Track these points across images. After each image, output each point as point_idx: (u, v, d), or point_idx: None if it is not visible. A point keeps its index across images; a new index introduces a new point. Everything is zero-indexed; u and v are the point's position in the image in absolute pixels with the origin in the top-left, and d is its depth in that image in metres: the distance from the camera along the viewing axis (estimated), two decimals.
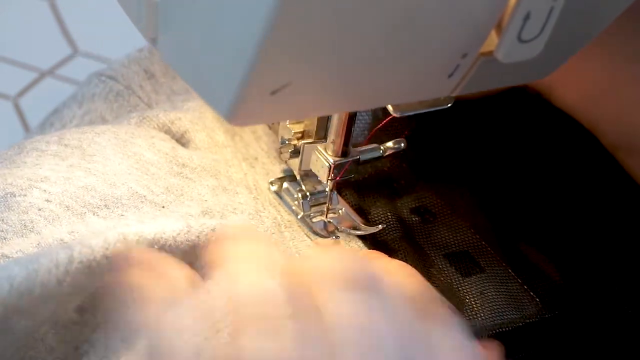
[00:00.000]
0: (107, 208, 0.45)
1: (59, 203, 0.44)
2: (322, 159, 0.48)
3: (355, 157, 0.48)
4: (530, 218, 0.52)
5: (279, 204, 0.51)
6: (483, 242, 0.51)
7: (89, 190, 0.45)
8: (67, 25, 1.01)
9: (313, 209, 0.50)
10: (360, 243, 0.50)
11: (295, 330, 0.36)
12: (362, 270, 0.38)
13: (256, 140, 0.54)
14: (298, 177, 0.50)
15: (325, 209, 0.50)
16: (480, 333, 0.46)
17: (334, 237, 0.48)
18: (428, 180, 0.53)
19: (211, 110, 0.54)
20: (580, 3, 0.38)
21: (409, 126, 0.54)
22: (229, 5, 0.33)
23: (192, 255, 0.44)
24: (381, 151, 0.49)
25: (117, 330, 0.43)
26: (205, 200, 0.48)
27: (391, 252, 0.50)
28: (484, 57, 0.38)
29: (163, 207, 0.46)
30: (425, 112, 0.44)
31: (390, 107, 0.44)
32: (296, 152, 0.50)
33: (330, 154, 0.48)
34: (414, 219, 0.52)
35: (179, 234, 0.43)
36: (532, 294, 0.48)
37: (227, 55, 0.34)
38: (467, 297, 0.48)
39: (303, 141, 0.49)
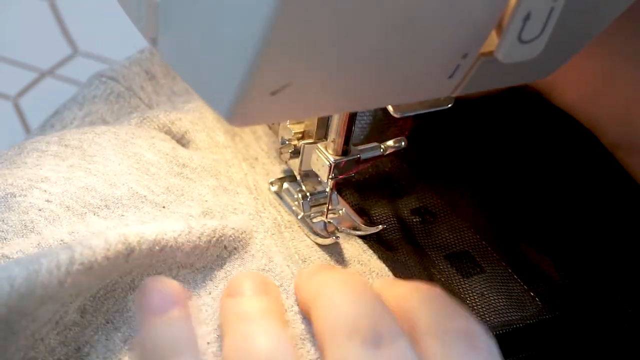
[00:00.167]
0: (108, 208, 0.45)
1: (59, 203, 0.44)
2: (323, 158, 0.48)
3: (356, 156, 0.48)
4: (530, 218, 0.52)
5: (279, 204, 0.51)
6: (483, 243, 0.51)
7: (89, 190, 0.45)
8: (67, 25, 1.01)
9: (313, 209, 0.50)
10: (360, 243, 0.50)
11: None
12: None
13: (256, 140, 0.54)
14: (298, 178, 0.50)
15: (325, 210, 0.50)
16: None
17: (334, 237, 0.48)
18: (428, 180, 0.53)
19: (211, 110, 0.54)
20: (580, 3, 0.38)
21: (409, 126, 0.54)
22: (229, 6, 0.33)
23: (193, 256, 0.44)
24: (382, 150, 0.49)
25: (118, 331, 0.43)
26: (206, 201, 0.48)
27: (391, 252, 0.50)
28: (484, 58, 0.38)
29: (163, 207, 0.46)
30: (425, 112, 0.44)
31: (390, 108, 0.44)
32: (296, 153, 0.50)
33: (331, 152, 0.48)
34: (414, 219, 0.52)
35: (180, 234, 0.43)
36: (532, 294, 0.48)
37: (227, 55, 0.34)
38: (468, 297, 0.48)
39: (303, 141, 0.49)
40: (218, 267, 0.45)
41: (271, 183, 0.51)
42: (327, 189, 0.49)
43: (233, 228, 0.45)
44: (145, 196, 0.46)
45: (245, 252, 0.46)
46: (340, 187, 0.52)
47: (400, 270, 0.49)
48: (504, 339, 0.46)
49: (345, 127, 0.47)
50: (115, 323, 0.43)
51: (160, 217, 0.45)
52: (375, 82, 0.38)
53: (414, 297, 0.42)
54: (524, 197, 0.53)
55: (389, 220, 0.51)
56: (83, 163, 0.47)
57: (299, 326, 0.43)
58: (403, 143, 0.50)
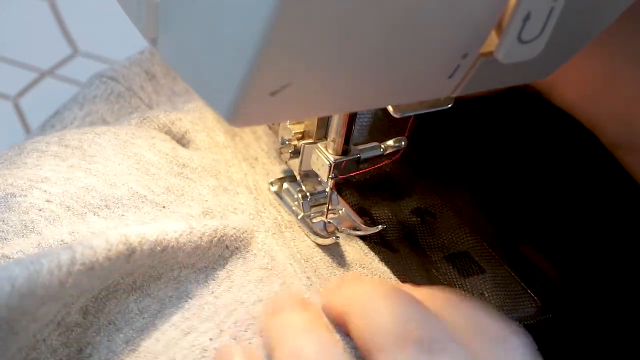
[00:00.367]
0: (108, 208, 0.45)
1: (59, 203, 0.44)
2: (323, 158, 0.48)
3: (356, 156, 0.48)
4: (530, 218, 0.52)
5: (280, 204, 0.51)
6: (483, 243, 0.51)
7: (89, 190, 0.45)
8: (67, 25, 1.01)
9: (313, 209, 0.50)
10: (360, 243, 0.50)
11: None
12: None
13: (256, 140, 0.54)
14: (298, 178, 0.50)
15: (325, 210, 0.50)
16: None
17: (334, 237, 0.48)
18: (428, 180, 0.53)
19: (211, 110, 0.54)
20: (580, 3, 0.38)
21: (409, 126, 0.54)
22: (229, 6, 0.33)
23: (194, 256, 0.44)
24: (382, 149, 0.49)
25: (120, 332, 0.43)
26: (206, 201, 0.48)
27: (392, 254, 0.50)
28: (484, 58, 0.38)
29: (164, 207, 0.46)
30: (425, 113, 0.44)
31: (390, 108, 0.44)
32: (296, 153, 0.50)
33: (331, 152, 0.48)
34: (414, 219, 0.52)
35: (181, 235, 0.43)
36: (532, 294, 0.48)
37: (227, 55, 0.34)
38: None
39: (303, 141, 0.49)
40: (220, 266, 0.45)
41: (271, 183, 0.51)
42: (327, 189, 0.49)
43: (234, 228, 0.45)
44: (145, 196, 0.46)
45: (247, 251, 0.46)
46: (340, 187, 0.52)
47: (402, 272, 0.49)
48: None
49: (345, 127, 0.47)
50: (117, 324, 0.43)
51: (160, 217, 0.45)
52: (375, 82, 0.38)
53: (439, 300, 0.42)
54: (524, 197, 0.53)
55: (389, 220, 0.51)
56: (83, 163, 0.47)
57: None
58: (403, 143, 0.50)
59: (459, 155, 0.54)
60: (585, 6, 0.39)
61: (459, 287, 0.48)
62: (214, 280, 0.44)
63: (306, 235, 0.49)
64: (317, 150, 0.48)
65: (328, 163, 0.48)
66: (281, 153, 0.50)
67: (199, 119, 0.53)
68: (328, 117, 0.48)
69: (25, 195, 0.44)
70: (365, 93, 0.38)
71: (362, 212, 0.51)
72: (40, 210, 0.44)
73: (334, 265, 0.48)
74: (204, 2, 0.34)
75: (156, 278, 0.44)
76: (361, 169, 0.50)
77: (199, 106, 0.54)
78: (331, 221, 0.50)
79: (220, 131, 0.53)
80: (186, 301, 0.44)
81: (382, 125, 0.54)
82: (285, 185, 0.51)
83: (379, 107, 0.47)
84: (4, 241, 0.42)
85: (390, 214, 0.51)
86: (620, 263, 0.51)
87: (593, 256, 0.51)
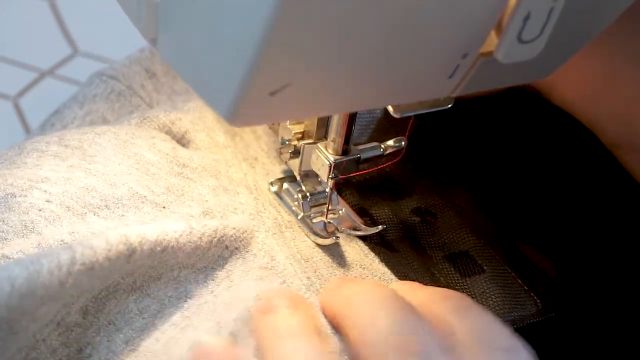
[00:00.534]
0: (108, 208, 0.45)
1: (59, 203, 0.44)
2: (323, 157, 0.48)
3: (356, 156, 0.48)
4: (530, 218, 0.52)
5: (280, 204, 0.51)
6: (484, 243, 0.51)
7: (89, 190, 0.45)
8: (67, 25, 1.01)
9: (313, 209, 0.50)
10: (361, 244, 0.50)
11: None
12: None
13: (256, 140, 0.54)
14: (298, 178, 0.50)
15: (325, 210, 0.50)
16: None
17: (334, 237, 0.48)
18: (429, 180, 0.53)
19: (211, 110, 0.54)
20: (580, 3, 0.38)
21: (410, 126, 0.54)
22: (229, 6, 0.33)
23: (194, 256, 0.44)
24: (382, 149, 0.49)
25: (120, 332, 0.43)
26: (206, 201, 0.48)
27: (392, 254, 0.50)
28: (484, 58, 0.38)
29: (164, 207, 0.46)
30: (425, 113, 0.44)
31: (390, 108, 0.44)
32: (296, 153, 0.50)
33: (331, 152, 0.48)
34: (414, 219, 0.52)
35: (181, 235, 0.43)
36: (532, 294, 0.48)
37: (227, 55, 0.34)
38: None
39: (303, 142, 0.49)
40: (219, 266, 0.45)
41: (271, 183, 0.51)
42: (327, 189, 0.49)
43: (234, 228, 0.45)
44: (145, 196, 0.46)
45: (247, 251, 0.46)
46: (340, 188, 0.52)
47: (402, 272, 0.49)
48: None
49: (345, 127, 0.47)
50: (117, 324, 0.43)
51: (160, 217, 0.45)
52: (375, 82, 0.38)
53: (445, 304, 0.42)
54: (524, 196, 0.53)
55: (389, 220, 0.51)
56: (83, 163, 0.47)
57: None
58: (403, 143, 0.50)
59: (459, 155, 0.54)
60: (585, 6, 0.39)
61: (460, 286, 0.48)
62: (213, 280, 0.44)
63: (306, 235, 0.49)
64: (317, 150, 0.48)
65: (328, 163, 0.48)
66: (281, 153, 0.50)
67: (199, 118, 0.53)
68: (328, 117, 0.48)
69: (25, 196, 0.44)
70: (365, 93, 0.38)
71: (362, 212, 0.51)
72: (40, 210, 0.44)
73: (334, 265, 0.48)
74: (204, 2, 0.34)
75: (156, 278, 0.44)
76: (361, 169, 0.50)
77: (198, 106, 0.54)
78: (331, 221, 0.50)
79: (220, 131, 0.53)
80: (185, 301, 0.44)
81: (382, 125, 0.54)
82: (285, 185, 0.51)
83: (379, 107, 0.47)
84: (4, 241, 0.42)
85: (390, 214, 0.51)
86: (620, 263, 0.51)
87: (593, 256, 0.51)
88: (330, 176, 0.48)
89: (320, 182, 0.50)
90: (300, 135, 0.49)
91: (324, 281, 0.46)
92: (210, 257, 0.45)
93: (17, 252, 0.42)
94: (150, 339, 0.43)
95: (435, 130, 0.54)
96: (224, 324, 0.42)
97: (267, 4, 0.31)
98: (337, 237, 0.48)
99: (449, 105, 0.45)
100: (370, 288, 0.43)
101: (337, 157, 0.48)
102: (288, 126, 0.49)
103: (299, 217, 0.49)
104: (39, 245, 0.42)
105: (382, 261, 0.49)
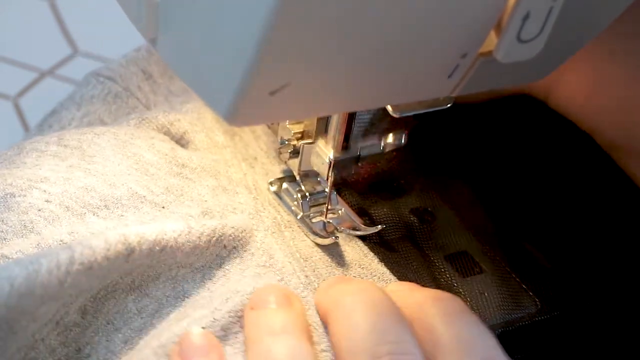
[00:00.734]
0: (107, 208, 0.45)
1: (58, 203, 0.44)
2: (322, 156, 0.48)
3: (356, 154, 0.48)
4: (529, 218, 0.52)
5: (279, 204, 0.51)
6: (483, 243, 0.51)
7: (88, 190, 0.45)
8: (67, 25, 1.01)
9: (312, 209, 0.50)
10: (360, 243, 0.50)
11: None
12: None
13: (255, 139, 0.54)
14: (297, 178, 0.50)
15: (324, 210, 0.50)
16: None
17: (333, 237, 0.48)
18: (428, 180, 0.53)
19: (210, 111, 0.54)
20: (579, 3, 0.38)
21: (409, 125, 0.54)
22: (229, 6, 0.33)
23: (193, 256, 0.44)
24: (381, 147, 0.49)
25: (119, 332, 0.43)
26: (205, 201, 0.48)
27: (392, 254, 0.50)
28: (483, 57, 0.38)
29: (163, 207, 0.46)
30: (425, 113, 0.44)
31: (389, 108, 0.44)
32: (296, 153, 0.50)
33: (331, 150, 0.48)
34: (413, 219, 0.52)
35: (180, 235, 0.43)
36: (531, 294, 0.48)
37: (227, 55, 0.34)
38: (467, 297, 0.48)
39: (302, 141, 0.49)
40: (217, 266, 0.45)
41: (270, 183, 0.51)
42: (327, 189, 0.49)
43: (233, 227, 0.45)
44: (144, 196, 0.46)
45: (245, 250, 0.46)
46: (339, 187, 0.52)
47: (401, 272, 0.49)
48: (504, 338, 0.46)
49: (345, 125, 0.47)
50: (115, 324, 0.43)
51: (159, 218, 0.45)
52: (374, 82, 0.38)
53: (435, 308, 0.42)
54: (523, 197, 0.53)
55: (388, 220, 0.51)
56: (82, 163, 0.47)
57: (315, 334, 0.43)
58: (403, 140, 0.49)
59: (458, 155, 0.54)
60: (585, 6, 0.39)
61: (459, 287, 0.48)
62: (210, 279, 0.45)
63: (305, 235, 0.49)
64: (316, 149, 0.48)
65: (327, 161, 0.48)
66: (280, 153, 0.50)
67: (197, 119, 0.53)
68: (328, 116, 0.48)
69: (25, 195, 0.44)
70: (364, 93, 0.38)
71: (361, 212, 0.51)
72: (39, 210, 0.44)
73: (333, 265, 0.48)
74: (204, 2, 0.34)
75: (154, 278, 0.44)
76: (361, 168, 0.50)
77: (197, 106, 0.54)
78: (330, 221, 0.50)
79: (219, 131, 0.53)
80: (183, 300, 0.44)
81: (382, 123, 0.54)
82: (285, 185, 0.51)
83: (378, 106, 0.47)
84: (3, 241, 0.42)
85: (389, 214, 0.51)
86: (620, 263, 0.51)
87: (593, 256, 0.51)
88: (330, 174, 0.48)
89: (319, 182, 0.50)
90: (299, 135, 0.49)
91: (322, 280, 0.46)
92: (208, 257, 0.45)
93: (16, 252, 0.42)
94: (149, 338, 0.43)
95: (435, 131, 0.54)
96: (218, 316, 0.42)
97: (267, 4, 0.31)
98: (337, 237, 0.48)
99: (449, 105, 0.45)
100: (360, 289, 0.43)
101: (337, 154, 0.48)
102: (287, 126, 0.49)
103: (299, 217, 0.49)
104: (38, 245, 0.42)
105: (381, 261, 0.49)
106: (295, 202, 0.50)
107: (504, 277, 0.49)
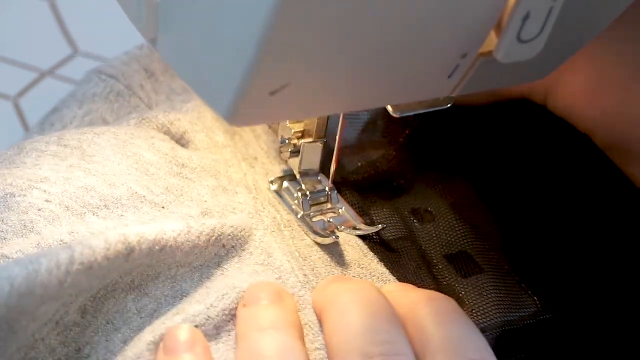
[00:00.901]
0: (107, 208, 0.45)
1: (58, 203, 0.44)
2: (322, 155, 0.48)
3: (355, 153, 0.49)
4: (529, 218, 0.52)
5: (279, 203, 0.51)
6: (483, 243, 0.51)
7: (88, 190, 0.45)
8: (67, 25, 1.01)
9: (313, 208, 0.50)
10: (360, 243, 0.50)
11: None
12: None
13: (256, 139, 0.54)
14: (298, 177, 0.50)
15: (325, 209, 0.50)
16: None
17: (333, 236, 0.48)
18: (428, 180, 0.53)
19: (210, 110, 0.54)
20: (580, 3, 0.38)
21: (409, 125, 0.54)
22: (229, 6, 0.33)
23: (192, 255, 0.44)
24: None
25: (118, 332, 0.43)
26: (205, 201, 0.48)
27: (391, 254, 0.50)
28: (483, 57, 0.38)
29: (163, 207, 0.46)
30: (425, 113, 0.44)
31: (389, 107, 0.44)
32: (296, 152, 0.50)
33: (331, 150, 0.48)
34: (413, 218, 0.52)
35: (179, 234, 0.43)
36: (531, 294, 0.48)
37: (227, 55, 0.34)
38: (467, 297, 0.48)
39: (303, 140, 0.49)
40: (215, 265, 0.45)
41: (271, 182, 0.51)
42: (327, 188, 0.49)
43: (232, 226, 0.45)
44: (144, 196, 0.46)
45: (243, 250, 0.46)
46: (339, 186, 0.52)
47: (401, 272, 0.49)
48: (503, 338, 0.46)
49: (345, 124, 0.48)
50: (115, 324, 0.43)
51: (159, 217, 0.45)
52: (374, 82, 0.38)
53: (427, 308, 0.42)
54: (523, 197, 0.53)
55: (388, 219, 0.51)
56: (82, 163, 0.47)
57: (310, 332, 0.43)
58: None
59: (458, 155, 0.54)
60: (585, 6, 0.39)
61: (459, 286, 0.48)
62: (208, 278, 0.45)
63: (305, 234, 0.49)
64: (316, 148, 0.49)
65: (327, 161, 0.48)
66: (281, 152, 0.50)
67: (197, 119, 0.53)
68: (327, 116, 0.48)
69: (25, 195, 0.45)
70: (364, 93, 0.38)
71: (361, 211, 0.52)
72: (39, 210, 0.44)
73: (332, 264, 0.48)
74: (204, 2, 0.34)
75: (154, 277, 0.44)
76: (361, 167, 0.50)
77: (197, 106, 0.54)
78: (331, 220, 0.50)
79: (220, 131, 0.53)
80: (181, 299, 0.44)
81: (381, 123, 0.54)
82: (285, 184, 0.51)
83: (378, 106, 0.47)
84: (3, 241, 0.43)
85: (389, 213, 0.51)
86: (620, 263, 0.51)
87: (593, 256, 0.51)
88: (330, 174, 0.48)
89: (320, 181, 0.50)
90: (300, 134, 0.49)
91: (320, 279, 0.46)
92: (207, 256, 0.45)
93: (16, 252, 0.42)
94: None
95: (435, 131, 0.54)
96: (213, 315, 0.42)
97: (267, 4, 0.31)
98: (337, 237, 0.48)
99: (448, 105, 0.45)
100: (356, 287, 0.43)
101: (337, 154, 0.48)
102: (288, 125, 0.49)
103: (299, 216, 0.49)
104: (38, 245, 0.42)
105: (380, 261, 0.49)
106: (296, 201, 0.50)
107: (504, 277, 0.49)
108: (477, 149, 0.55)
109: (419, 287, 0.47)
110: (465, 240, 0.50)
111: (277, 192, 0.51)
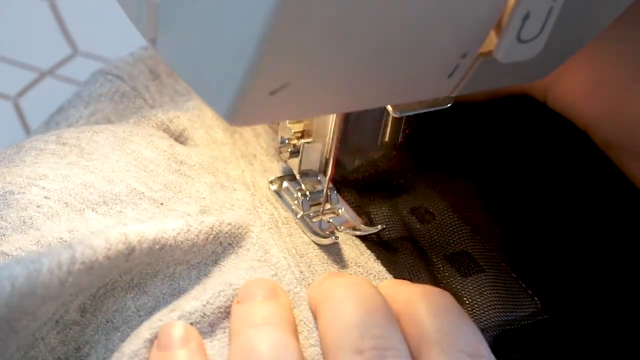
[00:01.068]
0: (106, 204, 0.45)
1: (57, 200, 0.44)
2: (322, 155, 0.48)
3: (355, 153, 0.49)
4: (529, 218, 0.52)
5: (277, 200, 0.51)
6: (483, 242, 0.51)
7: (87, 187, 0.45)
8: (67, 25, 1.01)
9: (312, 208, 0.50)
10: (357, 242, 0.50)
11: None
12: None
13: (256, 137, 0.55)
14: (298, 177, 0.50)
15: (324, 209, 0.50)
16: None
17: (333, 237, 0.48)
18: (427, 180, 0.53)
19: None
20: (580, 3, 0.38)
21: (409, 125, 0.54)
22: (229, 6, 0.33)
23: (190, 253, 0.44)
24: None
25: (117, 330, 0.43)
26: (203, 198, 0.48)
27: (390, 253, 0.50)
28: (483, 57, 0.38)
29: (161, 203, 0.46)
30: (425, 112, 0.44)
31: (389, 107, 0.44)
32: (296, 152, 0.50)
33: (330, 150, 0.48)
34: (413, 218, 0.52)
35: (179, 233, 0.43)
36: (531, 293, 0.48)
37: (227, 55, 0.34)
38: (467, 297, 0.48)
39: (303, 140, 0.49)
40: (212, 262, 0.45)
41: (271, 182, 0.51)
42: (326, 188, 0.49)
43: (229, 224, 0.45)
44: (143, 193, 0.46)
45: (240, 247, 0.46)
46: (339, 187, 0.52)
47: (399, 271, 0.49)
48: (503, 338, 0.47)
49: (344, 124, 0.48)
50: (114, 322, 0.43)
51: (158, 214, 0.46)
52: (374, 81, 0.38)
53: (422, 302, 0.42)
54: (523, 197, 0.53)
55: (388, 219, 0.51)
56: (81, 160, 0.47)
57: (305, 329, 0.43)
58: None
59: (458, 155, 0.55)
60: (585, 6, 0.39)
61: (459, 286, 0.48)
62: (205, 275, 0.45)
63: (304, 233, 0.49)
64: (316, 148, 0.49)
65: (327, 161, 0.48)
66: (281, 152, 0.51)
67: (197, 116, 0.54)
68: (327, 115, 0.48)
69: (24, 193, 0.45)
70: (364, 93, 0.38)
71: (361, 211, 0.52)
72: (38, 206, 0.44)
73: (329, 262, 0.48)
74: (204, 2, 0.34)
75: (153, 275, 0.44)
76: (360, 166, 0.50)
77: (198, 104, 0.54)
78: (330, 220, 0.50)
79: (219, 128, 0.53)
80: (178, 297, 0.44)
81: (380, 122, 0.54)
82: (285, 184, 0.51)
83: (378, 106, 0.47)
84: (3, 237, 0.43)
85: (389, 213, 0.51)
86: (620, 262, 0.51)
87: (593, 256, 0.51)
88: (329, 174, 0.48)
89: (319, 181, 0.50)
90: (299, 134, 0.50)
91: (316, 276, 0.46)
92: (204, 253, 0.45)
93: (16, 249, 0.42)
94: None
95: (434, 131, 0.54)
96: (209, 312, 0.42)
97: (267, 4, 0.31)
98: (337, 237, 0.48)
99: (448, 105, 0.45)
100: (351, 283, 0.43)
101: (336, 154, 0.48)
102: (287, 125, 0.49)
103: (299, 216, 0.50)
104: (37, 242, 0.42)
105: (378, 259, 0.49)
106: (296, 201, 0.50)
107: (504, 277, 0.49)
108: (477, 149, 0.55)
109: None
110: (465, 240, 0.50)
111: (277, 192, 0.51)
